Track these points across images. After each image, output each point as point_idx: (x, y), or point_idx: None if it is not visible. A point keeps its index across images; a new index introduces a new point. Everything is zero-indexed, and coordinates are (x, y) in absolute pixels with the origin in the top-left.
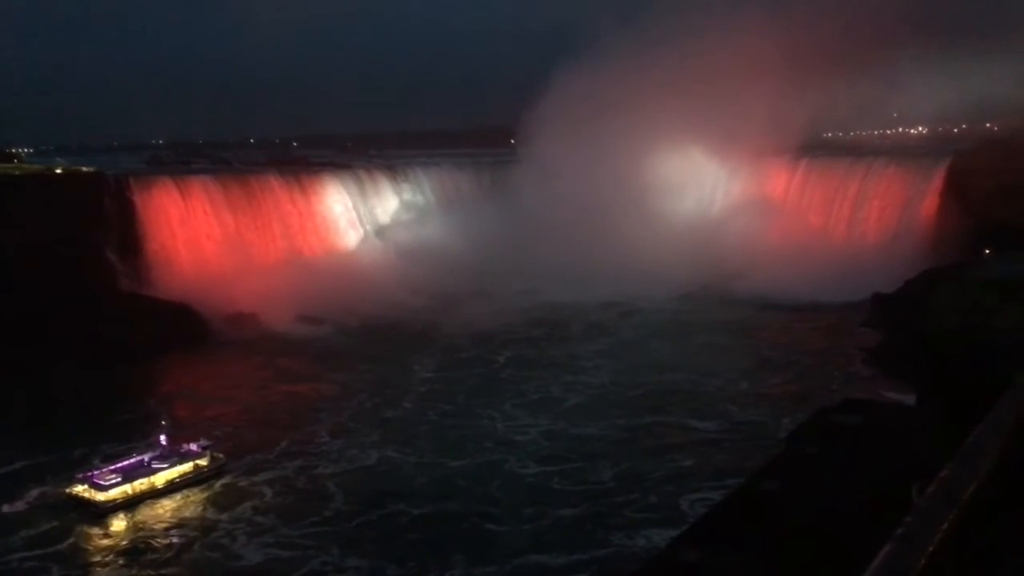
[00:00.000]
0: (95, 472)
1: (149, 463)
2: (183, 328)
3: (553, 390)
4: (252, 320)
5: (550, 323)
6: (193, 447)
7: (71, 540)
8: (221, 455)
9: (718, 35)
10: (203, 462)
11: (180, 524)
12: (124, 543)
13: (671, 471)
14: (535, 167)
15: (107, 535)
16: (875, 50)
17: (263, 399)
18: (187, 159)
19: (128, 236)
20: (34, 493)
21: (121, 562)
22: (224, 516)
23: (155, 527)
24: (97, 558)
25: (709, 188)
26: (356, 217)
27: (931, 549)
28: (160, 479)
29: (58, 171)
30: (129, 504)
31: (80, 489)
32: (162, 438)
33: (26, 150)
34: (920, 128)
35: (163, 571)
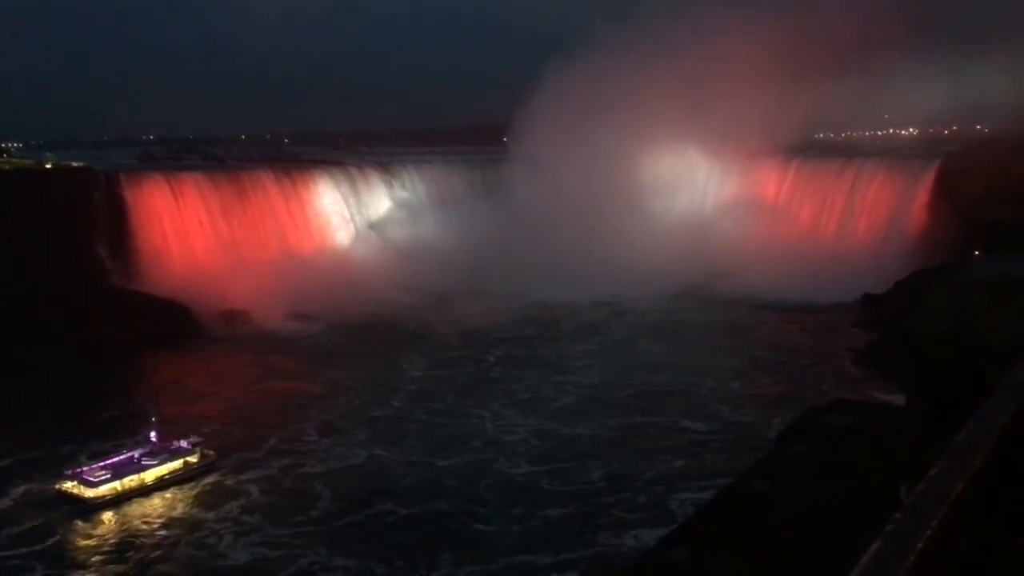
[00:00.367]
0: (85, 468)
1: (139, 460)
2: (173, 325)
3: (543, 390)
4: (243, 317)
5: (541, 322)
6: (183, 444)
7: (59, 537)
8: (211, 452)
9: (711, 35)
10: (193, 459)
11: (169, 522)
12: (112, 540)
13: (661, 471)
14: (527, 165)
15: (95, 532)
16: (867, 52)
17: (253, 396)
18: (178, 155)
19: (118, 232)
20: (22, 489)
21: (109, 560)
22: (213, 514)
23: (144, 524)
24: (85, 555)
25: (701, 188)
26: (348, 214)
27: (920, 547)
28: (150, 475)
29: (48, 166)
30: (118, 501)
31: (70, 485)
32: (152, 435)
33: (15, 145)
34: (911, 129)
35: (151, 570)
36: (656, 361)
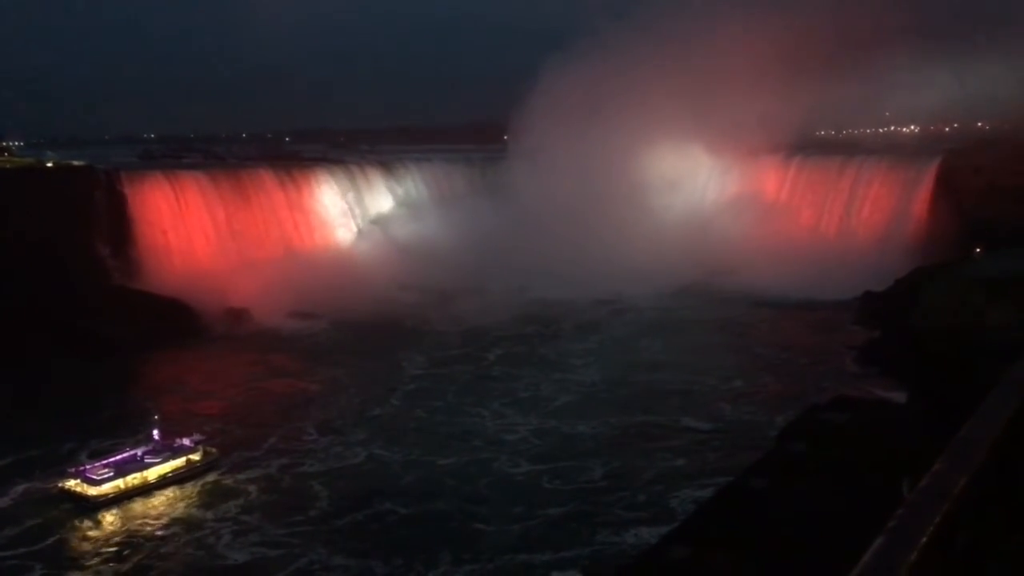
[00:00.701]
0: (87, 466)
1: (142, 457)
2: (174, 323)
3: (543, 388)
4: (244, 315)
5: (541, 320)
6: (186, 441)
7: (61, 535)
8: (214, 450)
9: (712, 32)
10: (196, 457)
11: (171, 520)
12: (114, 539)
13: (662, 470)
14: (527, 163)
15: (98, 531)
16: (868, 49)
17: (254, 394)
18: (179, 153)
19: (119, 230)
20: (24, 488)
21: (111, 559)
22: (214, 513)
23: (146, 523)
24: (87, 554)
25: (702, 185)
26: (349, 212)
27: (923, 542)
28: (152, 473)
29: (49, 164)
30: (121, 499)
31: (72, 483)
32: (155, 432)
33: (16, 143)
34: (912, 127)
35: (152, 569)
36: (656, 359)
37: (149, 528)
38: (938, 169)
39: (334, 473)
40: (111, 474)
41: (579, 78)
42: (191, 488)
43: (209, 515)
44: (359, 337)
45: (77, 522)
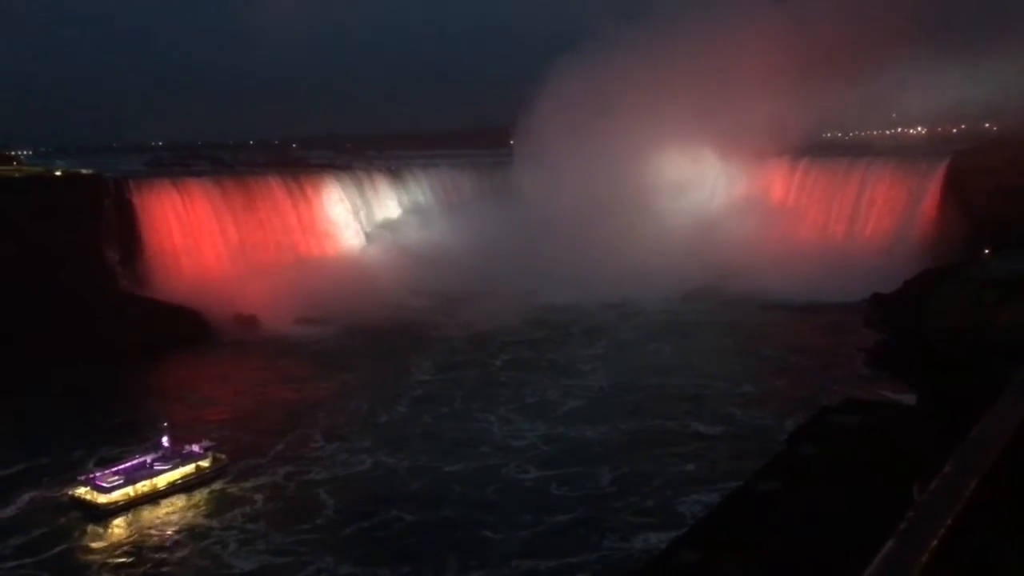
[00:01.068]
0: (97, 474)
1: (151, 464)
2: (183, 330)
3: (552, 393)
4: (252, 322)
5: (550, 325)
6: (195, 448)
7: (71, 544)
8: (223, 456)
9: (719, 35)
10: (205, 463)
11: (180, 528)
12: (124, 548)
13: (672, 475)
14: (534, 167)
15: (107, 539)
16: (875, 50)
17: (262, 401)
18: (186, 161)
19: (128, 238)
20: (35, 496)
21: (120, 567)
22: (223, 520)
23: (155, 531)
24: (95, 563)
25: (709, 188)
26: (356, 218)
27: (935, 545)
28: (162, 481)
29: (57, 173)
30: (131, 506)
31: (82, 491)
32: (164, 439)
33: (25, 152)
34: (919, 128)
35: None
36: (666, 363)
37: (158, 536)
38: (946, 170)
39: (341, 480)
40: (121, 481)
41: (586, 81)
42: (201, 495)
43: (218, 523)
44: (367, 343)
45: (86, 530)
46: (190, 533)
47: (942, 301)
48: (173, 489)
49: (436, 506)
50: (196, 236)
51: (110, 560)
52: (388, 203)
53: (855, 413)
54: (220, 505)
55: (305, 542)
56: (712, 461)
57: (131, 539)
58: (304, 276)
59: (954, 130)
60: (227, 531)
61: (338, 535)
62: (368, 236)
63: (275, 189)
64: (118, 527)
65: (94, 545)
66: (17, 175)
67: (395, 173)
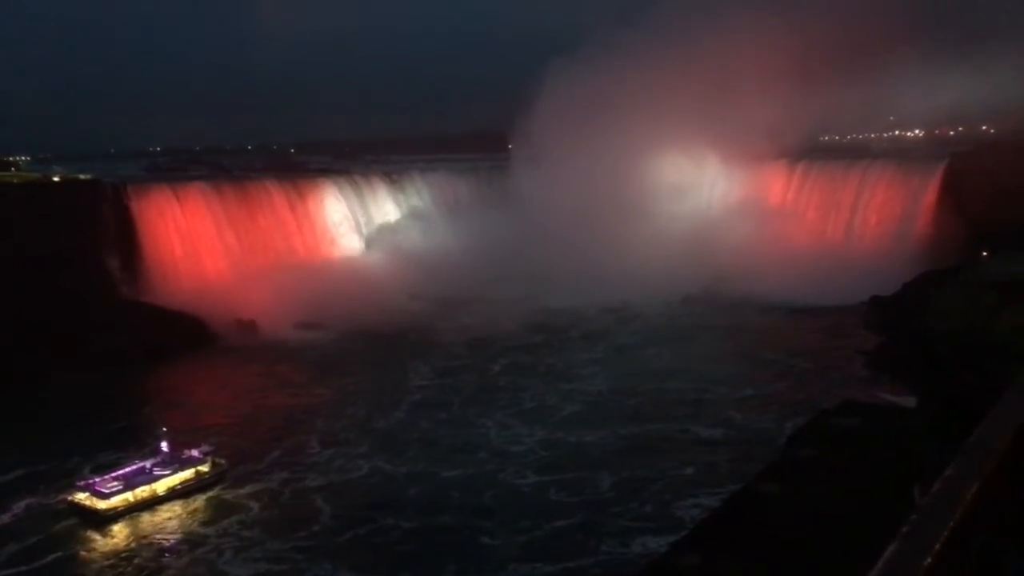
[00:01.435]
0: (97, 479)
1: (151, 470)
2: (181, 336)
3: (550, 398)
4: (251, 327)
5: (548, 329)
6: (195, 453)
7: (69, 550)
8: (223, 461)
9: (718, 38)
10: (205, 468)
11: (178, 534)
12: (122, 554)
13: (671, 479)
14: (532, 171)
15: (106, 545)
16: (873, 54)
17: (260, 407)
18: (185, 166)
19: (126, 243)
20: (33, 501)
21: (119, 574)
22: (221, 527)
23: (155, 537)
24: (92, 571)
25: (707, 191)
26: (354, 223)
27: (937, 548)
28: (162, 486)
29: (56, 179)
30: (130, 512)
31: (81, 497)
32: (163, 444)
33: (24, 158)
34: (917, 131)
35: None
36: (664, 367)
37: (157, 542)
38: (943, 173)
39: (338, 486)
40: (120, 487)
41: (583, 85)
42: (200, 500)
43: (216, 529)
44: (365, 348)
45: (85, 537)
46: (188, 539)
47: (941, 303)
48: (173, 494)
49: (434, 512)
50: (195, 241)
51: (107, 567)
52: (387, 208)
53: (854, 416)
54: (218, 511)
55: (302, 549)
56: (712, 465)
57: (129, 546)
58: (303, 281)
59: (951, 132)
60: (224, 538)
61: (335, 542)
62: (367, 241)
63: (274, 194)
64: (117, 533)
65: (92, 551)
66: (15, 181)
67: (394, 178)
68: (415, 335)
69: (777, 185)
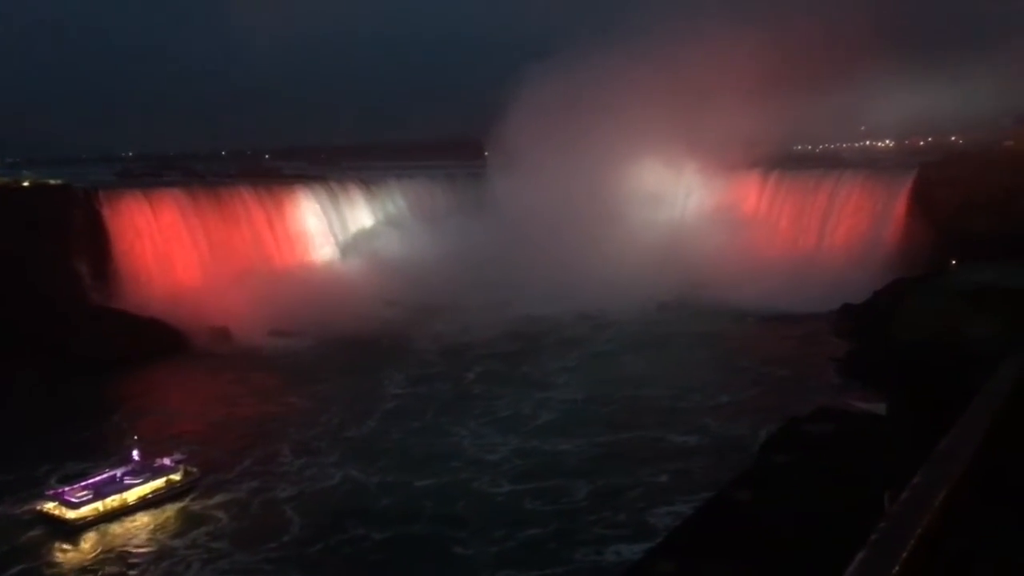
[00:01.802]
0: (66, 488)
1: (121, 478)
2: (154, 342)
3: (525, 406)
4: (224, 334)
5: (523, 336)
6: (166, 461)
7: (36, 561)
8: (195, 469)
9: (691, 47)
10: (176, 477)
11: (148, 545)
12: (91, 565)
13: (647, 487)
14: (508, 178)
15: (75, 556)
16: (844, 64)
17: (233, 415)
18: (158, 171)
19: (97, 249)
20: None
21: None
22: (191, 537)
23: (124, 548)
24: None
25: (682, 199)
26: (329, 229)
27: (905, 555)
28: (132, 495)
29: (25, 183)
30: (100, 521)
31: (50, 506)
32: (134, 453)
33: None
34: (887, 141)
35: None
36: (640, 374)
37: (125, 553)
38: (913, 183)
39: (309, 496)
40: (90, 496)
41: (559, 91)
42: (171, 510)
43: (185, 540)
44: (340, 355)
45: (53, 547)
46: (158, 550)
47: (911, 311)
48: (144, 503)
49: (406, 522)
50: (168, 247)
51: None
52: (362, 214)
53: (826, 422)
54: (188, 521)
55: (272, 560)
56: (686, 472)
57: (98, 557)
58: (277, 287)
59: (921, 143)
60: (193, 549)
61: (306, 553)
62: (342, 247)
63: (248, 200)
64: (86, 543)
65: (60, 562)
66: None
67: (369, 184)
68: (390, 342)
69: (751, 194)
